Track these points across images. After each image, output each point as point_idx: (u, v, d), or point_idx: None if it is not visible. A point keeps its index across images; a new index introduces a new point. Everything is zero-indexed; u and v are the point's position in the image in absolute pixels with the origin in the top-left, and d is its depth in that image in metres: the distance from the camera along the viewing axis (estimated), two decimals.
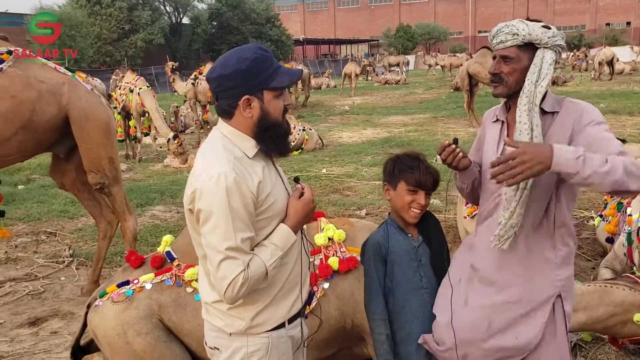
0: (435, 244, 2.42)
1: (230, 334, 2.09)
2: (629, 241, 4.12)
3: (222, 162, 1.95)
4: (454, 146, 2.30)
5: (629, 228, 4.16)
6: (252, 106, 2.01)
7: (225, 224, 1.90)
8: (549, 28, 2.26)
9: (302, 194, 2.11)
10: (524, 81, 2.24)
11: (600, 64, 27.97)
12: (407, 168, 2.41)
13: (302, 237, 2.20)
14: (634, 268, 4.04)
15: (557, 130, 2.26)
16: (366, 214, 7.08)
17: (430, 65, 40.51)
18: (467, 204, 5.22)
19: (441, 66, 39.53)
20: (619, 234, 4.54)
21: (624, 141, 9.07)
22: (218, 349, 2.15)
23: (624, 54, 35.40)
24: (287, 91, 2.10)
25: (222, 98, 2.04)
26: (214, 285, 1.99)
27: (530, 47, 2.24)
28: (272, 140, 2.05)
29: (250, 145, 2.04)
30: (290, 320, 2.16)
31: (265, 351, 2.09)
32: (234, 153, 2.00)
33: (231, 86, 2.00)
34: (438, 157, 2.34)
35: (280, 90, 2.04)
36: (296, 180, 2.17)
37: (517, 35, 2.23)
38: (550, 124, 2.27)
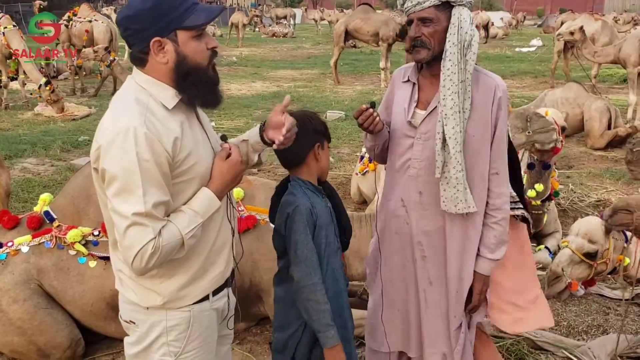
0: (338, 203, 2.35)
1: (148, 307, 1.90)
2: None
3: (132, 115, 1.73)
4: (371, 110, 2.22)
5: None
6: (166, 50, 1.79)
7: (133, 186, 1.68)
8: None
9: (229, 155, 1.91)
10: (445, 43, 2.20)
11: (477, 27, 29.47)
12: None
13: (227, 203, 2.00)
14: None
15: (482, 101, 2.26)
16: (258, 170, 6.97)
17: (315, 20, 40.30)
18: (361, 160, 5.27)
19: (328, 22, 39.57)
20: None
21: None
22: (134, 323, 1.94)
23: (496, 19, 37.33)
24: (207, 31, 1.88)
25: (133, 44, 1.83)
26: (122, 255, 1.78)
27: (446, 7, 2.20)
28: (195, 88, 1.83)
29: (169, 95, 1.83)
30: (215, 292, 2.00)
31: (186, 325, 1.91)
32: (148, 106, 1.78)
33: (138, 28, 1.79)
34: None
35: (199, 30, 1.82)
36: (223, 138, 1.97)
37: None
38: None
